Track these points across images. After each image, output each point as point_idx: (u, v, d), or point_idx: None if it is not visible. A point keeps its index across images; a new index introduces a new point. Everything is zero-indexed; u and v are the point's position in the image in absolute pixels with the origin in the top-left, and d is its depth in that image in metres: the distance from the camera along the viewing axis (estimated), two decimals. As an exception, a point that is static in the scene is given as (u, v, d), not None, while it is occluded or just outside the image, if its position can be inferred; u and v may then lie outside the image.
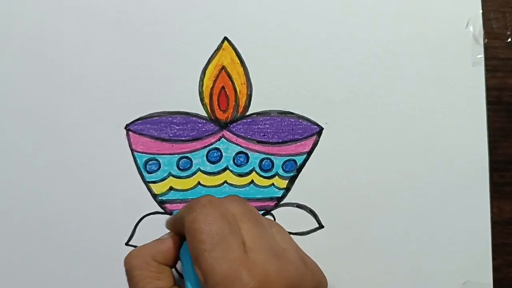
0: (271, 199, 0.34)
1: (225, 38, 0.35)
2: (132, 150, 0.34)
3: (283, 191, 0.34)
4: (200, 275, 0.25)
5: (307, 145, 0.35)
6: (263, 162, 0.34)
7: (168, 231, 0.30)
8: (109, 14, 0.35)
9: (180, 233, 0.29)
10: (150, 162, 0.34)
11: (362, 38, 0.35)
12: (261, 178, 0.34)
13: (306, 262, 0.28)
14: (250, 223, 0.27)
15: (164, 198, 0.34)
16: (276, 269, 0.25)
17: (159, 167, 0.34)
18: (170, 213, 0.34)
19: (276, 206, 0.34)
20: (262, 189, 0.34)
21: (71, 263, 0.34)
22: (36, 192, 0.34)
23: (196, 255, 0.25)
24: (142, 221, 0.34)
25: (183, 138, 0.34)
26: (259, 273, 0.24)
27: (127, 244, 0.34)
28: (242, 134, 0.34)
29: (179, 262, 0.29)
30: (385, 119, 0.35)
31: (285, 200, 0.34)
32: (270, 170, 0.34)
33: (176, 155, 0.34)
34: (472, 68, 0.35)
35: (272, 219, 0.34)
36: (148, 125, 0.34)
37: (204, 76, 0.34)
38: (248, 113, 0.35)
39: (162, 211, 0.34)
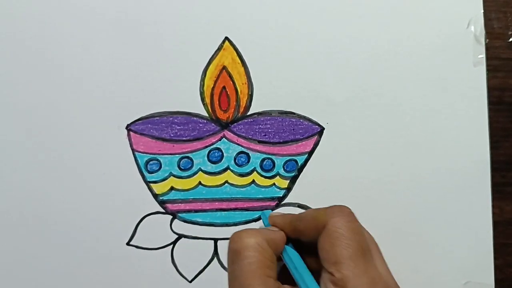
0: (272, 199, 0.34)
1: (226, 38, 0.35)
2: (133, 150, 0.34)
3: (284, 191, 0.34)
4: (338, 280, 0.25)
5: (308, 145, 0.35)
6: (264, 162, 0.34)
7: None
8: (110, 14, 0.35)
9: (298, 232, 0.29)
10: (151, 162, 0.34)
11: (363, 38, 0.35)
12: (262, 178, 0.34)
13: None
14: (375, 246, 0.28)
15: (165, 198, 0.34)
16: None
17: (160, 167, 0.34)
18: (171, 213, 0.34)
19: (277, 206, 0.34)
20: (263, 189, 0.34)
21: (72, 262, 0.33)
22: (37, 192, 0.34)
23: (337, 259, 0.25)
24: (143, 221, 0.34)
25: (184, 138, 0.34)
26: None
27: (128, 244, 0.34)
28: (243, 134, 0.34)
29: None
30: (386, 119, 0.35)
31: (286, 200, 0.34)
32: (271, 170, 0.34)
33: (177, 155, 0.34)
34: (474, 68, 0.35)
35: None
36: (149, 125, 0.34)
37: (205, 76, 0.34)
38: (249, 113, 0.35)
39: (163, 211, 0.34)
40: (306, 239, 0.29)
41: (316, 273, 0.28)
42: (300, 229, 0.29)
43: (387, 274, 0.27)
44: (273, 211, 0.33)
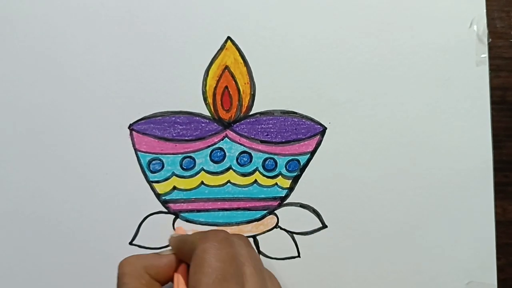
0: (274, 198, 0.34)
1: (229, 38, 0.35)
2: (135, 149, 0.34)
3: (287, 190, 0.34)
4: None
5: (310, 145, 0.35)
6: (267, 162, 0.34)
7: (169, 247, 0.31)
8: (113, 14, 0.35)
9: (182, 254, 0.29)
10: (153, 162, 0.34)
11: (366, 38, 0.35)
12: (265, 178, 0.34)
13: None
14: (254, 270, 0.27)
15: (167, 197, 0.34)
16: None
17: (163, 166, 0.34)
18: (174, 213, 0.34)
19: (280, 205, 0.34)
20: (265, 189, 0.34)
21: (75, 262, 0.34)
22: (39, 191, 0.34)
23: (195, 285, 0.25)
24: (146, 220, 0.34)
25: (186, 138, 0.34)
26: None
27: (131, 243, 0.34)
28: (245, 134, 0.34)
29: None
30: (389, 119, 0.35)
31: (288, 200, 0.34)
32: (273, 169, 0.34)
33: (179, 155, 0.34)
34: (476, 68, 0.35)
35: (276, 219, 0.34)
36: (152, 125, 0.34)
37: (207, 76, 0.35)
38: (251, 113, 0.35)
39: (166, 210, 0.34)
40: (189, 263, 0.28)
41: None
42: (184, 252, 0.29)
43: None
44: (178, 228, 0.34)
